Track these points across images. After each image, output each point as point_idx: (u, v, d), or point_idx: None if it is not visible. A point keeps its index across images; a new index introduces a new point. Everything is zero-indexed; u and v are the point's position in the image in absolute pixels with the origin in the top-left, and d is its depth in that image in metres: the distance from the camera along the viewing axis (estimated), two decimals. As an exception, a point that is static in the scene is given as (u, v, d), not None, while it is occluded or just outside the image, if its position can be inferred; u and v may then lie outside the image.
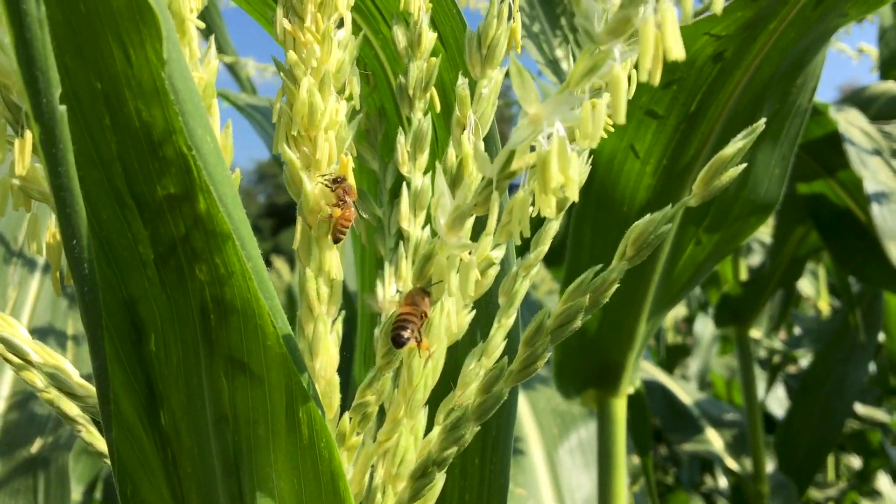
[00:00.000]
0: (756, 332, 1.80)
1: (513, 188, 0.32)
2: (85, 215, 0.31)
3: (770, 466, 1.80)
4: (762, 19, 0.63)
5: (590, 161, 0.38)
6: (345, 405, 0.43)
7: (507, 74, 0.43)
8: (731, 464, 1.67)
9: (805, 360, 2.67)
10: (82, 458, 1.38)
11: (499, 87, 0.40)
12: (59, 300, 0.91)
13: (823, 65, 0.76)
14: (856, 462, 2.42)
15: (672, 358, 2.74)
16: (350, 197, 0.40)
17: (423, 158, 0.46)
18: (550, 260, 1.60)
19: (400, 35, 0.45)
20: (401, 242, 0.48)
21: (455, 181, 0.40)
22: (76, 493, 1.41)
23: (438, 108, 0.46)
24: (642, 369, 1.87)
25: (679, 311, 2.92)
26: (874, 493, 2.27)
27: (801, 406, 1.79)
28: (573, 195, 0.27)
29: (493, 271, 0.43)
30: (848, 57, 1.53)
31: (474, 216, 0.33)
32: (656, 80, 0.25)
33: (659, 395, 1.84)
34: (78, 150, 0.30)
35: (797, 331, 2.79)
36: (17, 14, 0.28)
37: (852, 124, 1.19)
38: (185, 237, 0.34)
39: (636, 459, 1.54)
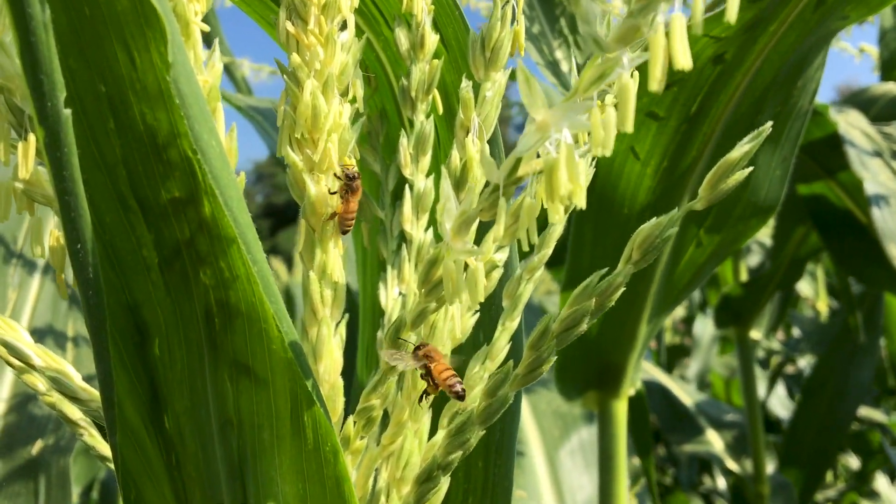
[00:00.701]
0: (756, 333, 1.80)
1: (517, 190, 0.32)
2: (89, 219, 0.31)
3: (770, 467, 1.80)
4: (762, 21, 0.63)
5: (593, 164, 0.38)
6: (347, 408, 0.43)
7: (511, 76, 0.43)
8: (732, 465, 1.67)
9: (803, 361, 2.67)
10: (79, 459, 1.38)
11: (502, 89, 0.40)
12: (59, 302, 0.91)
13: (824, 67, 0.76)
14: (854, 463, 2.42)
15: (671, 358, 2.74)
16: (355, 197, 0.41)
17: (426, 161, 0.46)
18: (550, 261, 1.60)
19: (402, 37, 0.45)
20: (403, 245, 0.48)
21: (459, 184, 0.40)
22: (73, 494, 1.41)
23: (441, 111, 0.46)
24: (642, 369, 1.87)
25: (677, 311, 2.92)
26: (873, 494, 2.27)
27: (806, 410, 1.79)
28: (581, 203, 0.27)
29: (497, 274, 0.43)
30: (845, 57, 1.54)
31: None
32: (661, 88, 0.25)
33: (658, 395, 1.84)
34: (82, 154, 0.30)
35: (795, 332, 2.79)
36: (21, 17, 0.27)
37: (853, 126, 1.19)
38: (190, 241, 0.34)
39: (635, 460, 1.54)
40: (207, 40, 0.38)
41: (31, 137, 0.33)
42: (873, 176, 1.14)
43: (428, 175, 0.46)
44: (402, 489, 0.41)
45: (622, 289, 0.34)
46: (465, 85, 0.39)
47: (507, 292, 0.43)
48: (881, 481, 2.28)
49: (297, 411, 0.36)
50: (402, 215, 0.46)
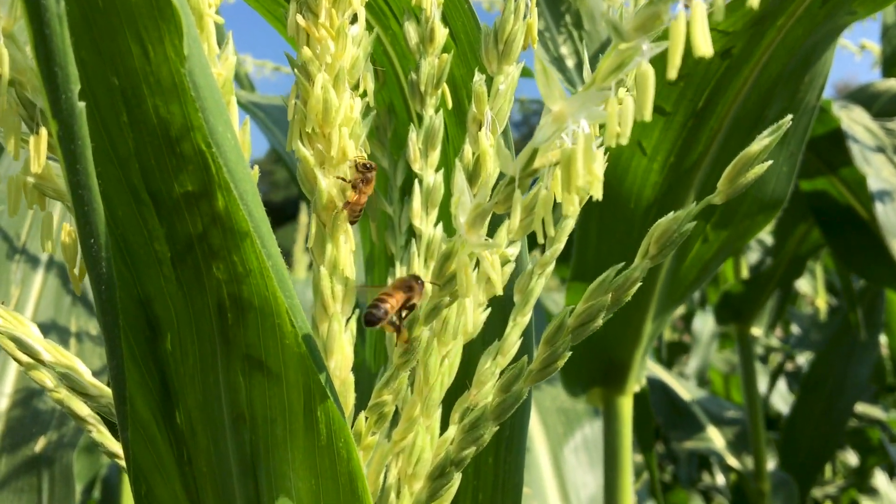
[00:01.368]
0: (756, 330, 1.80)
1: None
2: (103, 213, 0.31)
3: (771, 464, 1.80)
4: (770, 15, 0.63)
5: (606, 157, 0.38)
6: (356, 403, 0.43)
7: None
8: (733, 462, 1.67)
9: (802, 357, 2.67)
10: (81, 456, 1.37)
11: (515, 83, 0.40)
12: (63, 297, 0.90)
13: (832, 62, 0.76)
14: (853, 459, 2.43)
15: (670, 355, 2.74)
16: (368, 188, 0.40)
17: (435, 155, 0.46)
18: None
19: (412, 31, 0.45)
20: (412, 240, 0.48)
21: (472, 178, 0.40)
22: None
23: (450, 105, 0.46)
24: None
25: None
26: (872, 491, 2.28)
27: (804, 406, 1.79)
28: (598, 193, 0.27)
29: (509, 269, 0.42)
30: (844, 55, 1.54)
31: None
32: (675, 77, 0.25)
33: (659, 392, 1.84)
34: (94, 147, 0.30)
35: (794, 329, 2.79)
36: (36, 9, 0.27)
37: (855, 121, 1.19)
38: (203, 234, 0.33)
39: (636, 457, 1.54)
40: (219, 33, 0.38)
41: (43, 131, 0.33)
42: (876, 172, 1.14)
43: (437, 170, 0.46)
44: (413, 485, 0.40)
45: (639, 283, 0.34)
46: (479, 78, 0.39)
47: (519, 287, 0.43)
48: (880, 478, 2.28)
49: (310, 406, 0.36)
50: (412, 210, 0.46)
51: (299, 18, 0.39)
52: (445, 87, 0.45)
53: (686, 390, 1.89)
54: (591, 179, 0.27)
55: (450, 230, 0.50)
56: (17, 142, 0.34)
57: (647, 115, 0.24)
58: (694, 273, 0.84)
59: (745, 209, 0.83)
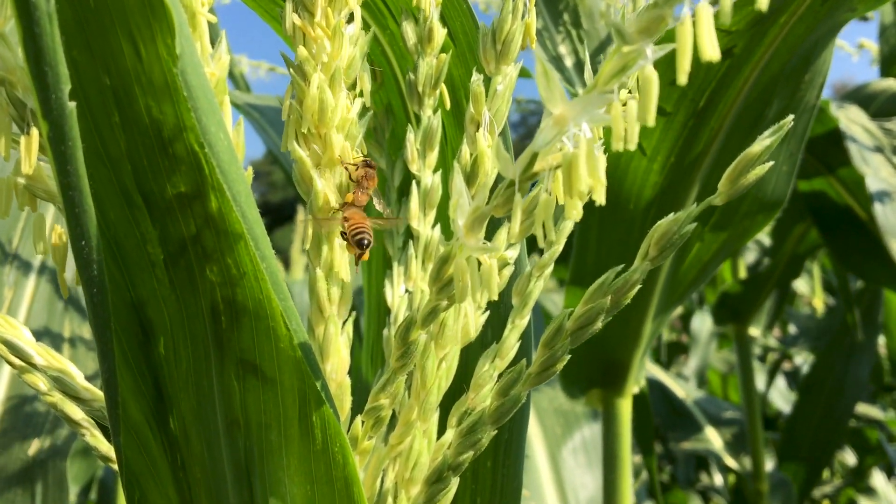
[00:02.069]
0: (754, 330, 1.80)
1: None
2: (94, 215, 0.30)
3: (769, 465, 1.80)
4: (772, 13, 0.62)
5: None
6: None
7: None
8: (731, 462, 1.67)
9: (799, 357, 2.67)
10: (77, 459, 1.37)
11: (514, 83, 0.40)
12: (56, 302, 0.90)
13: (831, 61, 0.75)
14: (850, 459, 2.43)
15: (668, 355, 2.74)
16: (370, 184, 0.40)
17: (433, 156, 0.45)
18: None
19: (410, 31, 0.44)
20: (409, 242, 0.47)
21: (469, 180, 0.39)
22: (71, 493, 1.40)
23: (448, 106, 0.46)
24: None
25: (674, 308, 2.91)
26: (870, 490, 2.27)
27: (804, 407, 1.78)
28: (601, 198, 0.27)
29: (508, 271, 0.42)
30: (841, 55, 1.53)
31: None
32: (684, 81, 0.24)
33: (658, 393, 1.84)
34: (85, 148, 0.29)
35: (792, 328, 2.79)
36: (25, 7, 0.27)
37: (854, 121, 1.18)
38: (196, 237, 0.33)
39: (634, 457, 1.53)
40: (212, 32, 0.37)
41: (34, 131, 0.32)
42: (875, 172, 1.14)
43: (435, 171, 0.45)
44: (410, 490, 0.40)
45: (639, 286, 0.34)
46: (476, 79, 0.39)
47: (517, 290, 0.42)
48: (878, 477, 2.28)
49: (305, 411, 0.35)
50: (409, 212, 0.45)
51: (295, 17, 0.39)
52: (444, 87, 0.45)
53: (684, 390, 1.89)
54: (595, 183, 0.26)
55: (447, 232, 0.49)
56: (8, 142, 0.33)
57: (651, 120, 0.24)
58: (693, 274, 0.84)
59: (745, 209, 0.82)
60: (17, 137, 0.33)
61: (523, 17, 0.39)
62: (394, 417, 0.42)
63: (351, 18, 0.41)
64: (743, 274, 1.89)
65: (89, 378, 0.43)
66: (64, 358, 0.40)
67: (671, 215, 0.33)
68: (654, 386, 1.86)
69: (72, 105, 0.28)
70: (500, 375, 0.42)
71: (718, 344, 2.69)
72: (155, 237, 0.33)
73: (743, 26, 0.63)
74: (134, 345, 0.35)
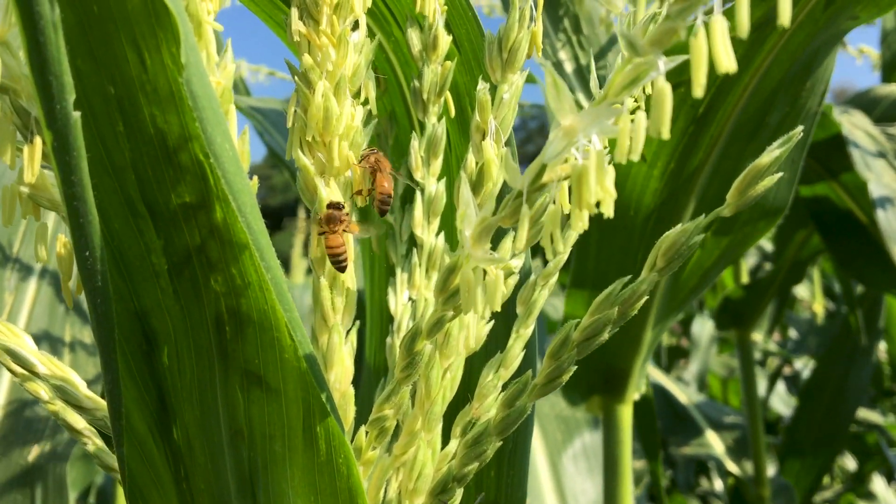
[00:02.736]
0: (757, 336, 1.80)
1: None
2: (98, 226, 0.30)
3: (771, 470, 1.79)
4: (771, 20, 0.62)
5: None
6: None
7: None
8: (733, 468, 1.67)
9: (799, 362, 2.67)
10: (76, 464, 1.36)
11: (520, 91, 0.39)
12: (56, 306, 0.89)
13: (833, 68, 0.75)
14: (850, 464, 2.42)
15: (668, 359, 2.73)
16: (385, 167, 0.40)
17: (437, 164, 0.45)
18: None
19: (415, 38, 0.44)
20: (413, 249, 0.47)
21: (475, 188, 0.39)
22: (70, 500, 1.40)
23: (453, 113, 0.45)
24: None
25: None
26: (870, 496, 2.27)
27: (804, 412, 1.78)
28: (609, 210, 0.26)
29: (513, 281, 0.42)
30: (842, 60, 1.53)
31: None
32: (700, 94, 0.24)
33: (659, 397, 1.83)
34: (90, 158, 0.29)
35: (792, 333, 2.79)
36: (30, 16, 0.26)
37: (856, 126, 1.18)
38: (201, 247, 0.33)
39: (635, 463, 1.53)
40: (217, 40, 0.37)
41: (37, 140, 0.32)
42: (877, 177, 1.13)
43: (439, 179, 0.45)
44: (414, 501, 0.40)
45: (646, 297, 0.33)
46: (483, 87, 0.39)
47: (522, 299, 0.42)
48: (878, 482, 2.28)
49: (309, 422, 0.35)
50: (413, 219, 0.45)
51: (300, 26, 0.39)
52: (448, 95, 0.45)
53: (685, 395, 1.89)
54: (604, 195, 0.26)
55: (451, 239, 0.49)
56: (13, 151, 0.33)
57: (666, 133, 0.24)
58: (694, 280, 0.84)
59: (747, 216, 0.82)
60: (22, 146, 0.33)
61: (530, 25, 0.39)
62: (397, 427, 0.42)
63: (356, 26, 0.40)
64: (745, 279, 1.89)
65: (90, 382, 0.43)
66: (66, 367, 0.40)
67: (679, 226, 0.33)
68: (656, 390, 1.85)
69: (76, 115, 0.28)
70: (504, 385, 0.41)
71: (719, 348, 2.68)
72: (159, 247, 0.33)
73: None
74: (137, 355, 0.35)
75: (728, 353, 2.68)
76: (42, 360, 0.40)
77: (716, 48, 0.23)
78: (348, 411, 0.41)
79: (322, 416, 0.35)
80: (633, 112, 0.26)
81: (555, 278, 0.42)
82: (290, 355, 0.34)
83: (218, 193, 0.31)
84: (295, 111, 0.40)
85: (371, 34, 0.42)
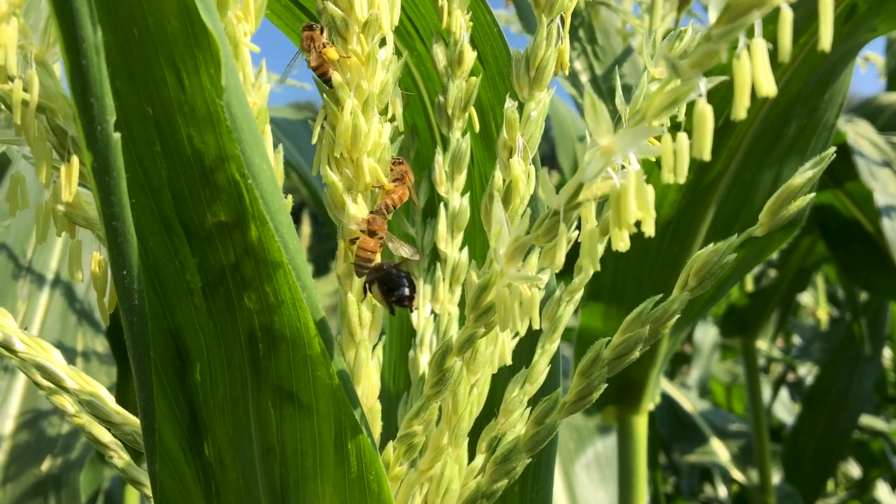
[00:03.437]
0: (762, 343, 1.80)
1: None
2: (136, 245, 0.30)
3: (776, 478, 1.79)
4: (793, 33, 0.62)
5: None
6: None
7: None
8: (738, 475, 1.67)
9: (803, 368, 2.67)
10: (85, 469, 1.36)
11: (546, 108, 0.40)
12: (69, 315, 0.90)
13: (850, 80, 0.75)
14: (855, 471, 2.42)
15: (671, 366, 2.73)
16: (409, 178, 0.40)
17: (461, 178, 0.45)
18: (563, 272, 1.60)
19: (440, 54, 0.44)
20: (436, 263, 0.47)
21: (502, 205, 0.39)
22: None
23: (477, 128, 0.46)
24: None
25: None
26: (874, 502, 2.27)
27: (808, 418, 1.78)
28: (650, 230, 0.27)
29: (538, 295, 0.42)
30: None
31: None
32: (743, 115, 0.24)
33: (664, 404, 1.84)
34: (127, 178, 0.29)
35: (796, 339, 2.79)
36: (73, 39, 0.27)
37: (861, 136, 1.19)
38: (235, 265, 0.33)
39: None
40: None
41: (74, 159, 0.32)
42: (883, 186, 1.14)
43: (463, 194, 0.45)
44: (442, 516, 0.40)
45: (677, 316, 0.33)
46: (511, 104, 0.39)
47: (547, 314, 0.42)
48: (882, 489, 2.28)
49: (341, 439, 0.35)
50: (437, 234, 0.45)
51: (332, 51, 0.39)
52: (473, 110, 0.45)
53: (690, 402, 1.89)
54: (644, 215, 0.26)
55: (474, 254, 0.49)
56: (49, 169, 0.33)
57: (706, 154, 0.24)
58: (710, 292, 0.84)
59: (763, 227, 0.82)
60: (58, 164, 0.33)
61: (557, 43, 0.39)
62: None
63: (382, 42, 0.41)
64: (750, 286, 1.89)
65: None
66: (95, 381, 0.40)
67: (711, 246, 0.33)
68: (661, 398, 1.85)
69: (117, 136, 0.28)
70: (529, 401, 0.42)
71: (722, 355, 2.68)
72: (194, 265, 0.33)
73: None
74: (170, 371, 0.35)
75: (731, 359, 2.67)
76: (71, 375, 0.40)
77: (757, 71, 0.23)
78: (375, 426, 0.41)
79: (354, 433, 0.35)
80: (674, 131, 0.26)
81: (580, 294, 0.42)
82: (322, 373, 0.34)
83: (254, 213, 0.31)
84: (323, 127, 0.40)
85: (396, 50, 0.42)
